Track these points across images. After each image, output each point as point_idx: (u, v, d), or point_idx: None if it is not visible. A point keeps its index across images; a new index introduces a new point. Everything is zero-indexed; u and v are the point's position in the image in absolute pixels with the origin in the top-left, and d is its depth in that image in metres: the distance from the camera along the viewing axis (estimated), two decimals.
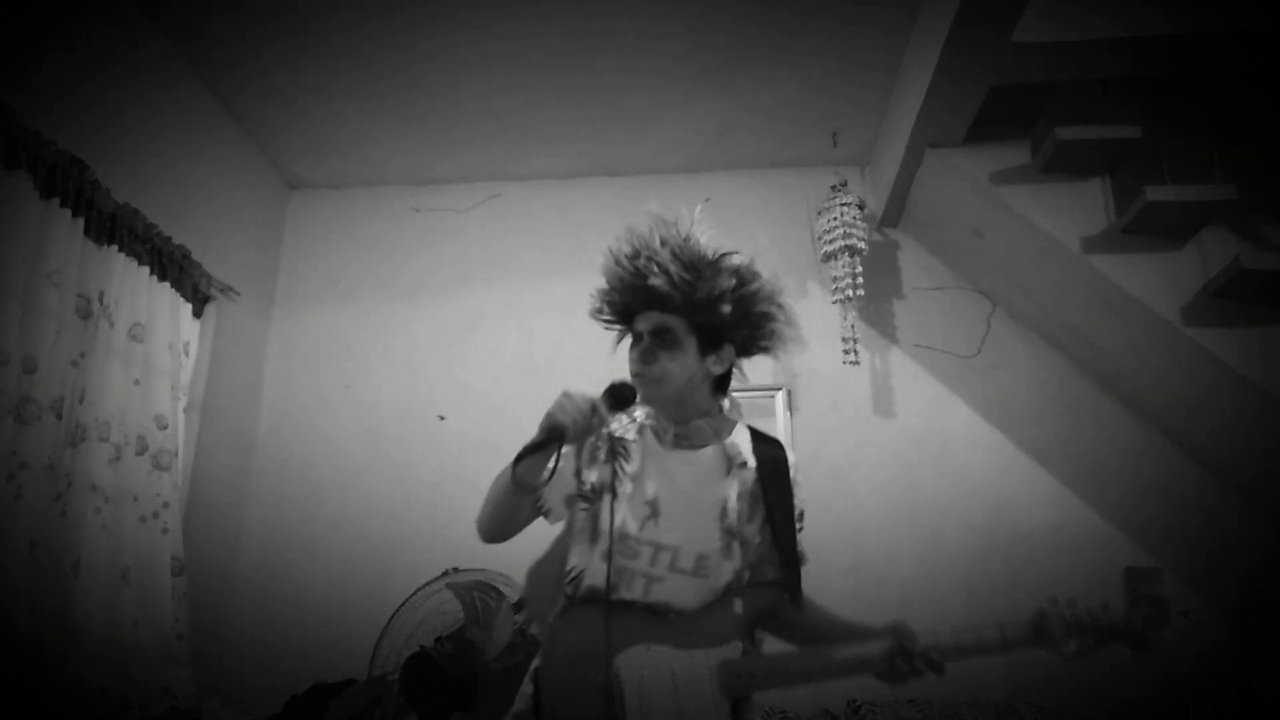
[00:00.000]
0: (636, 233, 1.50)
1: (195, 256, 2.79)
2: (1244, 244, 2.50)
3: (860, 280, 2.99)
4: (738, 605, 1.37)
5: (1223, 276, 2.37)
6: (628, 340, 1.53)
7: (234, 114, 3.13)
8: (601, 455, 1.46)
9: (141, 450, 2.48)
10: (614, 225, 3.93)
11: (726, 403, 1.52)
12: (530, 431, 1.37)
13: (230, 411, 3.14)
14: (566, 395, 1.33)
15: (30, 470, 2.06)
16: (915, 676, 1.36)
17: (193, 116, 2.92)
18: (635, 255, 1.46)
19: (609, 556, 1.36)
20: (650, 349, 1.43)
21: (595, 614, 1.35)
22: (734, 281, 1.44)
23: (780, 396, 3.15)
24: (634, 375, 1.44)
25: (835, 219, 3.04)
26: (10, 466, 2.02)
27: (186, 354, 2.78)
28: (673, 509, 1.40)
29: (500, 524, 1.43)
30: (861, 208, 3.09)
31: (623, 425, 1.50)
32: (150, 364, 2.54)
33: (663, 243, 1.45)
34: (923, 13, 2.56)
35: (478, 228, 3.54)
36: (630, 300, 1.48)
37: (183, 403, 2.74)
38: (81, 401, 2.26)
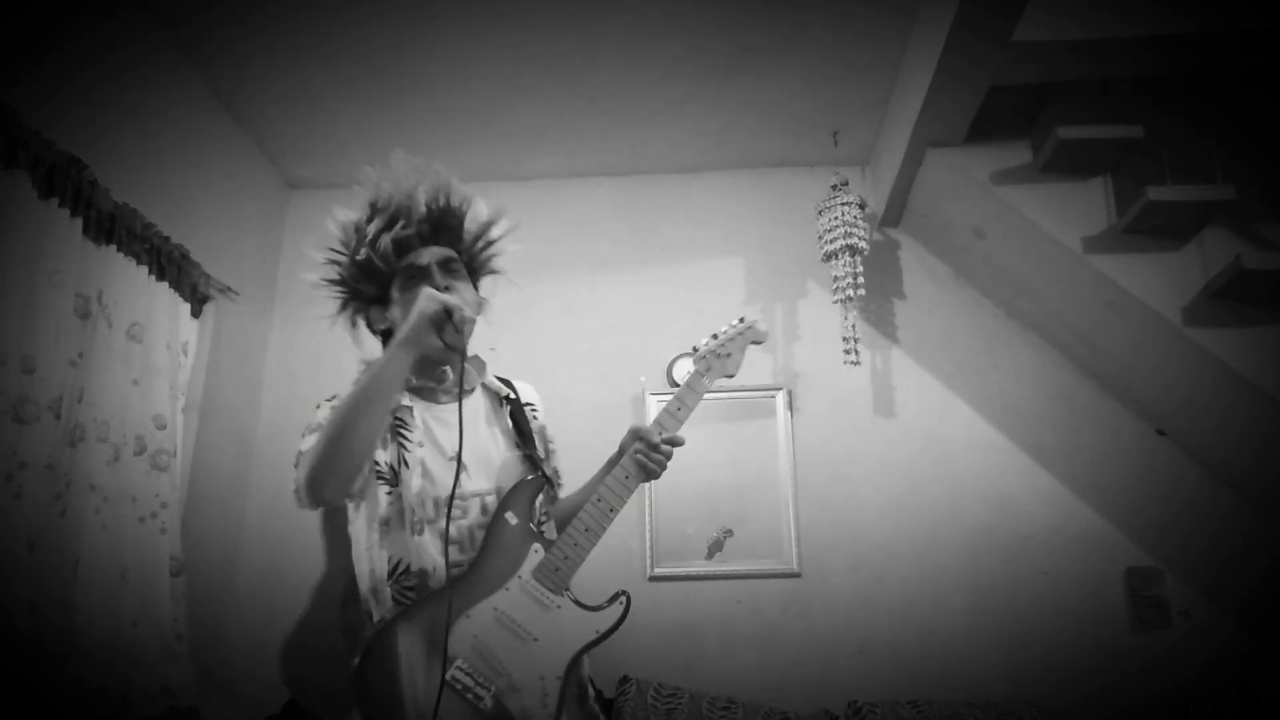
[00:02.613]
0: (410, 165, 1.56)
1: (194, 256, 2.78)
2: (1244, 244, 2.50)
3: (861, 280, 2.98)
4: (511, 517, 1.40)
5: (1223, 276, 2.37)
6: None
7: (234, 113, 3.12)
8: (386, 435, 1.45)
9: (140, 450, 2.48)
10: (614, 225, 3.94)
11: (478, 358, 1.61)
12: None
13: (229, 412, 3.13)
14: (425, 292, 1.38)
15: (29, 470, 2.05)
16: (664, 457, 1.45)
17: (192, 115, 2.92)
18: (422, 190, 1.53)
19: (446, 522, 1.34)
20: (444, 277, 1.50)
21: (411, 622, 1.31)
22: (489, 222, 1.62)
23: (780, 396, 3.15)
24: (442, 300, 1.40)
25: (836, 218, 3.04)
26: (9, 466, 2.01)
27: (185, 354, 2.77)
28: (476, 455, 1.44)
29: (341, 452, 1.33)
30: (862, 207, 3.09)
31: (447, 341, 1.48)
32: (149, 364, 2.53)
33: (440, 179, 1.56)
34: (923, 12, 2.55)
35: None
36: (415, 233, 1.51)
37: (181, 403, 2.73)
38: (80, 401, 2.25)
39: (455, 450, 1.37)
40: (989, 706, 2.55)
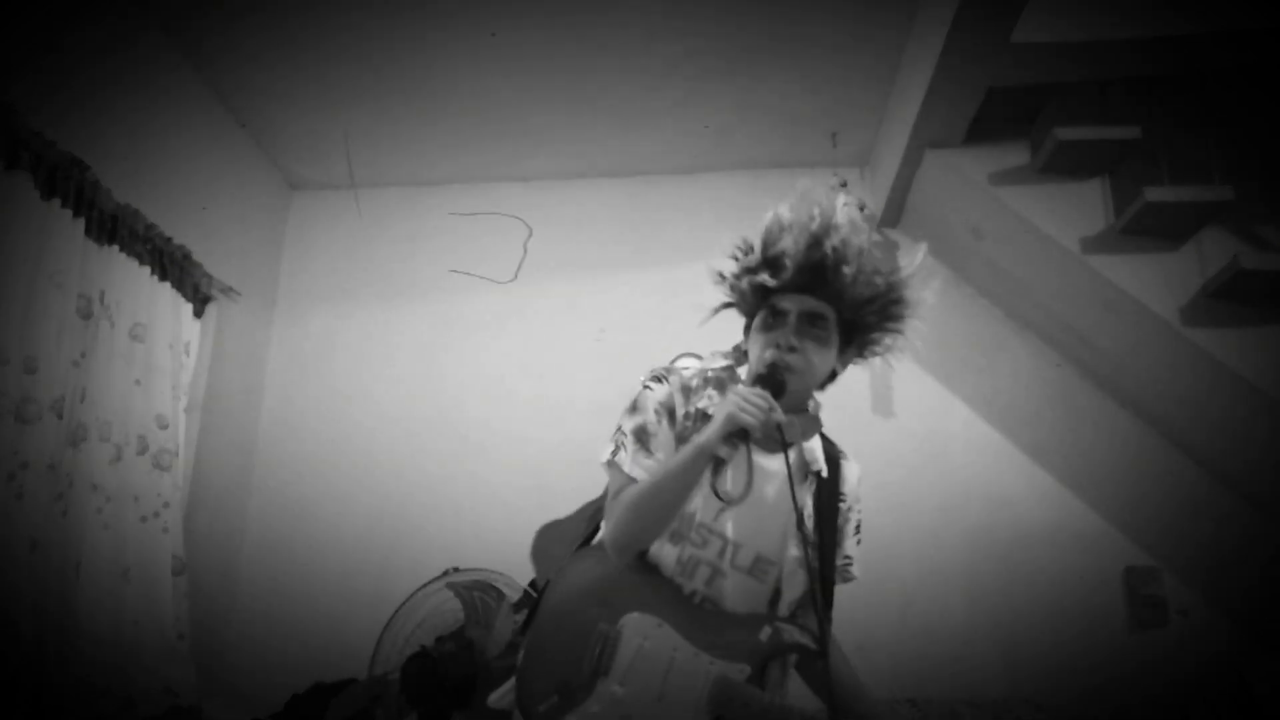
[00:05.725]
0: (819, 204, 1.37)
1: (196, 257, 2.79)
2: (1242, 244, 2.50)
3: None
4: (765, 633, 1.31)
5: (1221, 277, 2.37)
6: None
7: (235, 114, 3.13)
8: (690, 433, 1.34)
9: (142, 450, 2.49)
10: (614, 225, 3.95)
11: (814, 403, 1.45)
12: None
13: (231, 411, 3.14)
14: (739, 393, 1.24)
15: (31, 470, 2.07)
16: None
17: (194, 116, 2.93)
18: (822, 232, 1.34)
19: (682, 538, 1.32)
20: (800, 335, 1.33)
21: (635, 565, 1.33)
22: (890, 285, 1.38)
23: None
24: (770, 360, 1.32)
25: None
26: (11, 466, 2.02)
27: (187, 354, 2.79)
28: (746, 504, 1.31)
29: (646, 532, 1.32)
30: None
31: (713, 402, 1.38)
32: (151, 364, 2.54)
33: (854, 229, 1.36)
34: (921, 14, 2.56)
35: (479, 229, 3.54)
36: (791, 275, 1.34)
37: (183, 403, 2.75)
38: (82, 401, 2.27)
39: (730, 488, 1.31)
40: (987, 705, 2.55)
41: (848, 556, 1.46)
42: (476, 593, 2.51)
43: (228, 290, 3.02)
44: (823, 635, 1.31)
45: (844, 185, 3.11)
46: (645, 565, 1.35)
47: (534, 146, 3.34)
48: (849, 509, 1.46)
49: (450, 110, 3.10)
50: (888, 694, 2.67)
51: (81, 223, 2.27)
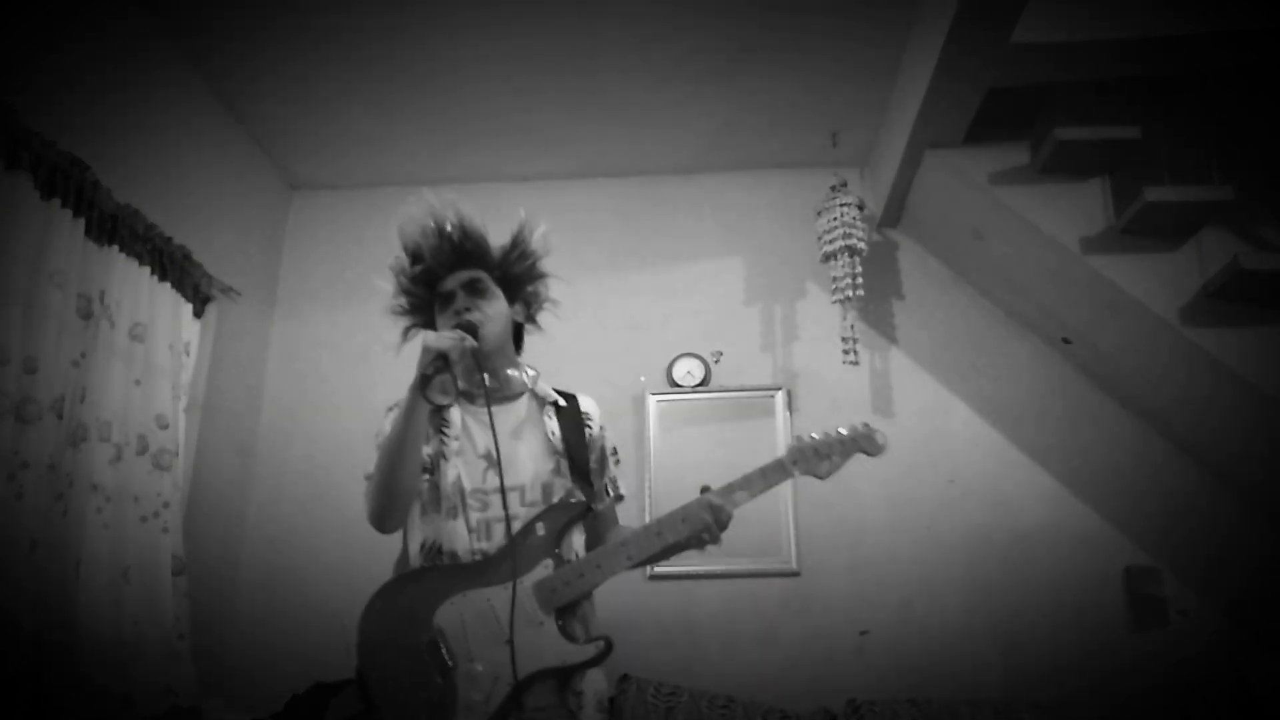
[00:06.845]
0: (425, 206, 1.64)
1: (196, 257, 2.79)
2: (1242, 244, 2.50)
3: (860, 280, 2.99)
4: (540, 527, 1.48)
5: (1221, 277, 2.38)
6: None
7: (235, 114, 3.13)
8: (430, 430, 1.57)
9: (142, 450, 2.49)
10: (614, 225, 3.95)
11: (528, 369, 1.71)
12: None
13: (231, 411, 3.14)
14: (428, 332, 1.52)
15: (31, 470, 2.06)
16: (710, 538, 1.49)
17: (194, 116, 2.93)
18: (437, 225, 1.62)
19: (462, 512, 1.50)
20: (467, 298, 1.60)
21: (407, 580, 1.51)
22: (519, 234, 1.69)
23: (780, 396, 3.15)
24: (455, 322, 1.54)
25: (835, 219, 3.05)
26: (11, 466, 2.02)
27: (188, 354, 2.78)
28: (506, 453, 1.50)
29: (392, 491, 1.48)
30: (861, 208, 3.10)
31: (436, 400, 1.57)
32: (151, 364, 2.54)
33: (459, 207, 1.66)
34: (922, 13, 2.56)
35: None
36: (437, 263, 1.62)
37: (183, 403, 2.74)
38: (82, 401, 2.26)
39: (485, 449, 1.53)
40: (987, 705, 2.55)
41: (612, 477, 1.68)
42: None
43: (227, 290, 3.02)
44: (586, 490, 1.55)
45: (844, 185, 3.12)
46: (441, 561, 1.50)
47: (534, 146, 3.34)
48: (594, 432, 1.67)
49: (450, 111, 3.10)
50: (888, 693, 2.67)
51: (81, 223, 2.27)
